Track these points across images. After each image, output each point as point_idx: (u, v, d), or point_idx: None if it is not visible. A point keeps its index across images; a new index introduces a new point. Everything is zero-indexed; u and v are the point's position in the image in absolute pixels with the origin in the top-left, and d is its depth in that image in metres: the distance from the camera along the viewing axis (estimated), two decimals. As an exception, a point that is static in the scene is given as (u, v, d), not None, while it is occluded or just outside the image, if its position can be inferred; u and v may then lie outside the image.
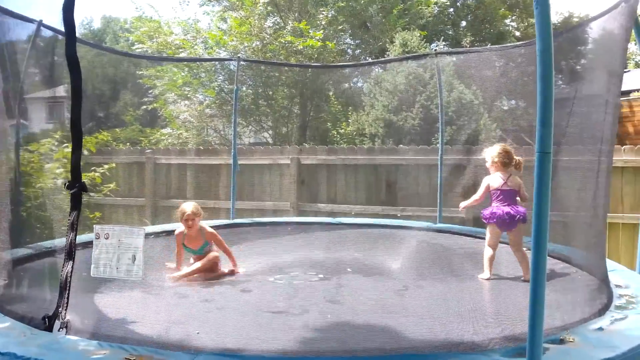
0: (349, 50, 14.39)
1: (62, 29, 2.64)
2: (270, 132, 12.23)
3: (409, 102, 8.98)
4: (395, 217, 7.35)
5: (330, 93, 11.77)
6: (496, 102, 8.58)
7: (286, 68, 11.11)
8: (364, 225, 6.44)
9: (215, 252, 4.28)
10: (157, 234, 5.32)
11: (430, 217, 6.90)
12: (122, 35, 23.22)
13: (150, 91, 12.34)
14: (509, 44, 8.23)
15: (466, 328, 2.74)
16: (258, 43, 11.29)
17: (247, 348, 2.43)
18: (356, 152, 8.22)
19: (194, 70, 11.39)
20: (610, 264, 3.79)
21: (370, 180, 8.08)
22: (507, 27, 15.53)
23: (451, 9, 14.89)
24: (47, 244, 4.49)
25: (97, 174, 7.84)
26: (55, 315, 2.48)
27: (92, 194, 7.93)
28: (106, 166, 8.20)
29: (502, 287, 3.73)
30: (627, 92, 11.12)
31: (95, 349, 2.27)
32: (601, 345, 2.34)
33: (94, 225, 2.72)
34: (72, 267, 2.54)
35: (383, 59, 10.98)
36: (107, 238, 2.66)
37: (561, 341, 2.39)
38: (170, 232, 4.96)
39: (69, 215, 2.57)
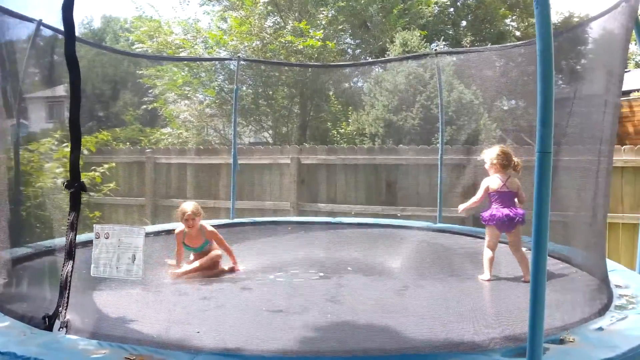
0: (349, 50, 14.39)
1: (62, 28, 2.65)
2: (270, 131, 12.23)
3: (409, 102, 8.98)
4: (395, 217, 7.35)
5: (331, 93, 11.77)
6: (496, 102, 8.58)
7: (286, 68, 11.11)
8: (364, 225, 6.44)
9: (217, 251, 4.30)
10: (156, 234, 5.32)
11: (430, 217, 6.90)
12: (122, 35, 23.25)
13: (150, 91, 12.34)
14: (509, 44, 8.22)
15: (466, 328, 2.73)
16: (258, 43, 11.29)
17: (247, 347, 2.43)
18: (356, 152, 8.22)
19: (194, 70, 11.39)
20: (610, 264, 3.79)
21: (370, 180, 8.08)
22: (507, 27, 15.53)
23: (451, 9, 14.88)
24: (47, 243, 4.49)
25: (97, 174, 7.84)
26: (55, 315, 2.48)
27: (91, 193, 7.93)
28: (106, 166, 8.20)
29: (502, 287, 3.73)
30: (627, 92, 11.12)
31: (95, 348, 2.27)
32: (601, 345, 2.34)
33: (94, 225, 2.72)
34: (73, 266, 2.54)
35: (383, 58, 10.98)
36: (107, 237, 2.66)
37: (561, 341, 2.39)
38: (170, 232, 4.97)
39: (69, 215, 2.57)
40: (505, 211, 3.87)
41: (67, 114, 2.80)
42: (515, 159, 4.02)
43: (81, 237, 2.89)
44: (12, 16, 4.34)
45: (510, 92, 8.10)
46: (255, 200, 8.54)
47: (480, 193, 4.04)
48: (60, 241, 3.05)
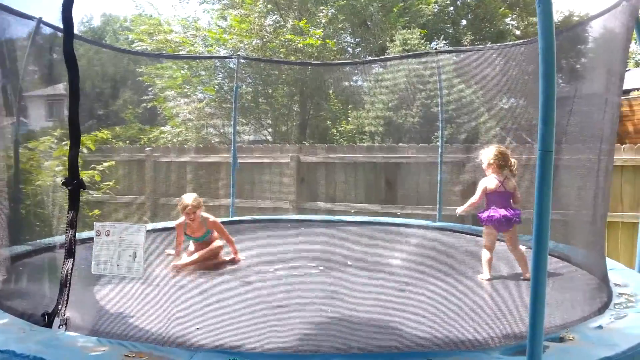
0: (349, 48, 14.37)
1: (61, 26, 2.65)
2: (269, 130, 12.22)
3: (408, 101, 8.98)
4: (394, 215, 7.36)
5: (330, 91, 11.77)
6: (496, 100, 8.58)
7: (286, 66, 11.11)
8: (363, 223, 6.44)
9: (218, 242, 4.34)
10: (155, 231, 5.32)
11: (430, 215, 6.90)
12: (122, 33, 23.22)
13: (150, 89, 12.33)
14: (508, 43, 8.22)
15: (466, 326, 2.74)
16: (258, 41, 11.28)
17: (246, 344, 2.43)
18: (356, 151, 8.21)
19: (194, 68, 11.39)
20: (609, 262, 3.79)
21: (370, 179, 8.08)
22: (507, 26, 15.50)
23: (451, 8, 14.86)
24: (47, 240, 4.50)
25: (96, 172, 7.84)
26: (55, 312, 2.48)
27: (91, 191, 7.93)
28: (105, 164, 8.20)
29: (502, 285, 3.73)
30: (627, 91, 11.12)
31: (95, 345, 2.27)
32: (601, 343, 2.34)
33: (95, 223, 2.72)
34: (73, 264, 2.54)
35: (383, 57, 10.98)
36: (108, 235, 2.66)
37: (561, 339, 2.39)
38: (170, 229, 4.99)
39: (68, 213, 2.57)
40: (503, 211, 3.89)
41: (66, 112, 2.80)
42: (512, 159, 4.03)
43: (80, 235, 2.89)
44: (12, 14, 4.34)
45: (510, 91, 8.10)
46: (255, 198, 8.54)
47: (478, 194, 4.04)
48: (59, 239, 3.05)
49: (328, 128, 11.33)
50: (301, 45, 10.90)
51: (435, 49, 8.60)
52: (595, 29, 4.28)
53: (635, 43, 3.79)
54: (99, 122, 12.57)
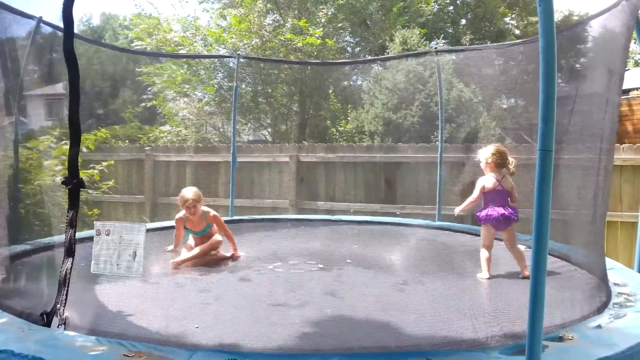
0: (348, 48, 14.37)
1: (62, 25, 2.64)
2: (269, 129, 12.22)
3: (408, 100, 8.98)
4: (394, 214, 7.36)
5: (330, 91, 11.77)
6: (496, 100, 8.58)
7: (285, 65, 11.10)
8: (363, 222, 6.44)
9: (218, 237, 4.34)
10: (155, 230, 5.32)
11: (429, 215, 6.90)
12: (122, 33, 23.20)
13: (149, 88, 12.32)
14: (508, 42, 8.21)
15: (466, 325, 2.74)
16: (257, 40, 11.27)
17: (245, 344, 2.43)
18: (355, 150, 8.21)
19: (193, 68, 11.38)
20: (608, 262, 3.79)
21: (370, 178, 8.08)
22: (506, 26, 15.50)
23: (451, 7, 14.86)
24: (46, 240, 4.50)
25: (95, 171, 7.84)
26: (54, 312, 2.47)
27: (90, 191, 7.93)
28: (105, 163, 8.20)
29: (500, 284, 3.73)
30: (627, 91, 11.12)
31: (94, 345, 2.26)
32: (600, 343, 2.34)
33: (95, 222, 2.72)
34: (72, 263, 2.54)
35: (383, 56, 10.97)
36: (108, 234, 2.65)
37: (560, 339, 2.39)
38: (169, 228, 4.99)
39: (67, 212, 2.57)
40: (501, 210, 3.90)
41: (66, 111, 2.80)
42: (510, 158, 4.03)
43: (79, 234, 2.88)
44: (13, 13, 4.33)
45: (509, 91, 8.09)
46: (254, 198, 8.55)
47: (476, 193, 4.05)
48: (59, 238, 3.05)
49: (327, 127, 11.34)
50: (301, 44, 10.89)
51: (435, 48, 8.62)
52: (595, 28, 4.27)
53: (635, 43, 3.79)
54: (99, 121, 12.55)
